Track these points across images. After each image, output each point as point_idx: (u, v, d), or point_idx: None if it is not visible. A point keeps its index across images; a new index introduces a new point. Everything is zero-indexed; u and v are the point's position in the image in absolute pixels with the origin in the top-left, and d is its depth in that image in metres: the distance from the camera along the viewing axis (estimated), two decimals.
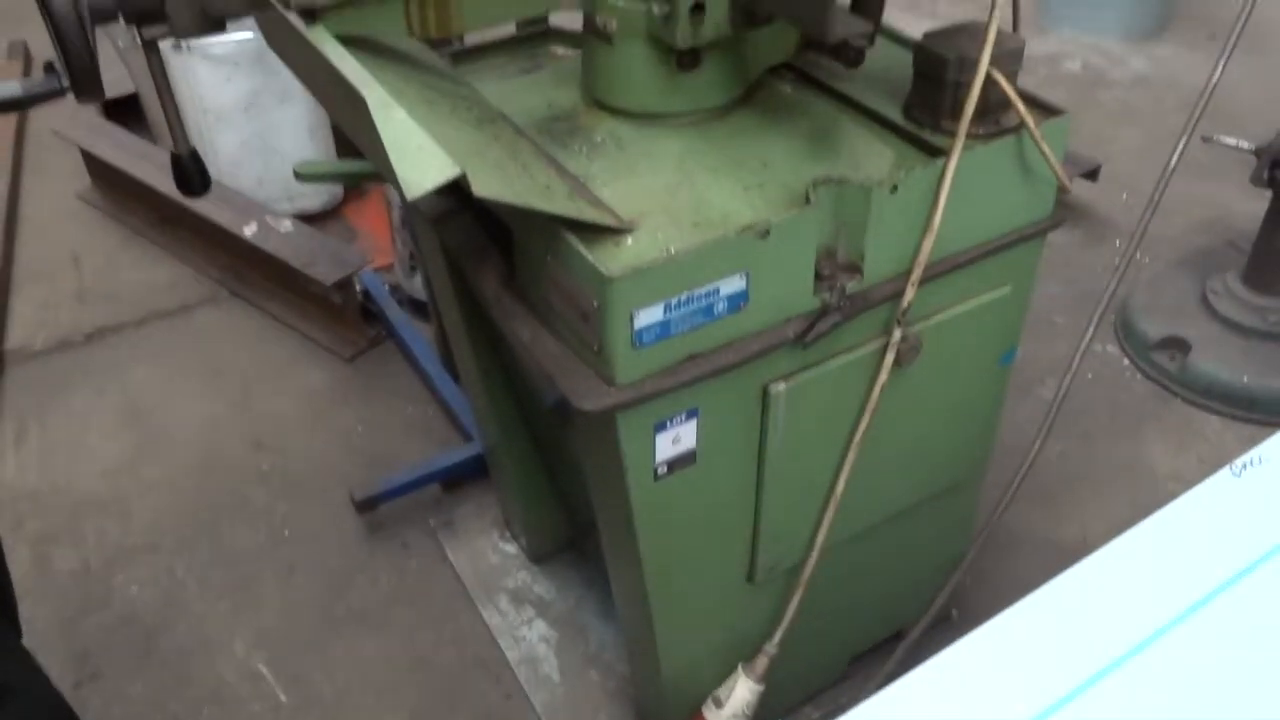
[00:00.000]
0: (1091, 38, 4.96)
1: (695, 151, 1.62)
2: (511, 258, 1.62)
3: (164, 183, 3.47)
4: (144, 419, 3.04)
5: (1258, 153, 2.90)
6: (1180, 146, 2.50)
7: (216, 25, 1.44)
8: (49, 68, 4.18)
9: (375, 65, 1.48)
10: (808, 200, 1.47)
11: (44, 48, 4.04)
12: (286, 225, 3.27)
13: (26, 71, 4.77)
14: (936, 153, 1.60)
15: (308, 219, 3.58)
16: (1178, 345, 3.09)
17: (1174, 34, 5.05)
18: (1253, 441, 1.44)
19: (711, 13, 1.53)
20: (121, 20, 1.41)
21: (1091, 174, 3.74)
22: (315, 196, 3.72)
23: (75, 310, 3.44)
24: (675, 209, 1.49)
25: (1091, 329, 2.57)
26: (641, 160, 1.60)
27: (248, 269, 3.40)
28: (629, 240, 1.42)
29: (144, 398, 3.11)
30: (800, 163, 1.61)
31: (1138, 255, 2.76)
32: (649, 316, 1.39)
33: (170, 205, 3.50)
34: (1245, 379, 2.95)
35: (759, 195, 1.53)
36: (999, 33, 1.56)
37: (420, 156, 1.21)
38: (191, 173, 1.57)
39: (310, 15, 1.48)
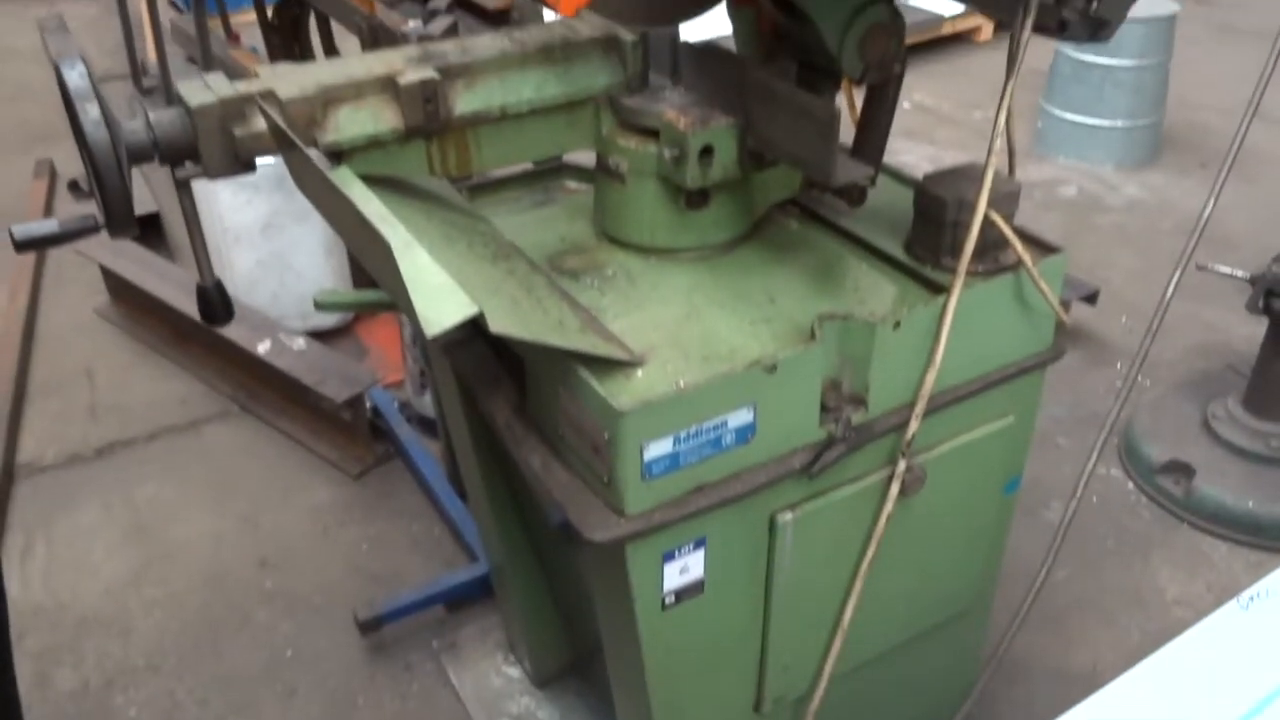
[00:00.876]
0: (1087, 165, 5.11)
1: (703, 286, 1.67)
2: (523, 386, 1.66)
3: (180, 300, 3.55)
4: (150, 535, 3.04)
5: (1252, 281, 2.96)
6: (1176, 277, 2.56)
7: (247, 166, 1.51)
8: (73, 186, 4.32)
9: (397, 202, 1.55)
10: (813, 336, 1.51)
11: (69, 166, 4.18)
12: (300, 343, 3.32)
13: (52, 188, 4.91)
14: (938, 289, 1.65)
15: (320, 335, 3.64)
16: (1182, 470, 3.10)
17: (1166, 162, 5.19)
18: (1259, 568, 1.45)
19: (720, 156, 1.60)
20: (156, 160, 1.47)
21: (1091, 298, 3.81)
22: (328, 314, 3.79)
23: (87, 425, 3.47)
24: (684, 342, 1.53)
25: (1095, 454, 2.59)
26: (651, 294, 1.65)
27: (259, 385, 3.44)
28: (639, 373, 1.45)
29: (151, 514, 3.12)
30: (806, 298, 1.66)
31: (1139, 378, 2.80)
32: (659, 449, 1.42)
33: (185, 322, 3.56)
34: (1250, 504, 2.95)
35: (766, 330, 1.57)
36: (995, 176, 1.63)
37: (440, 295, 1.25)
38: (216, 303, 1.62)
39: (336, 156, 1.55)
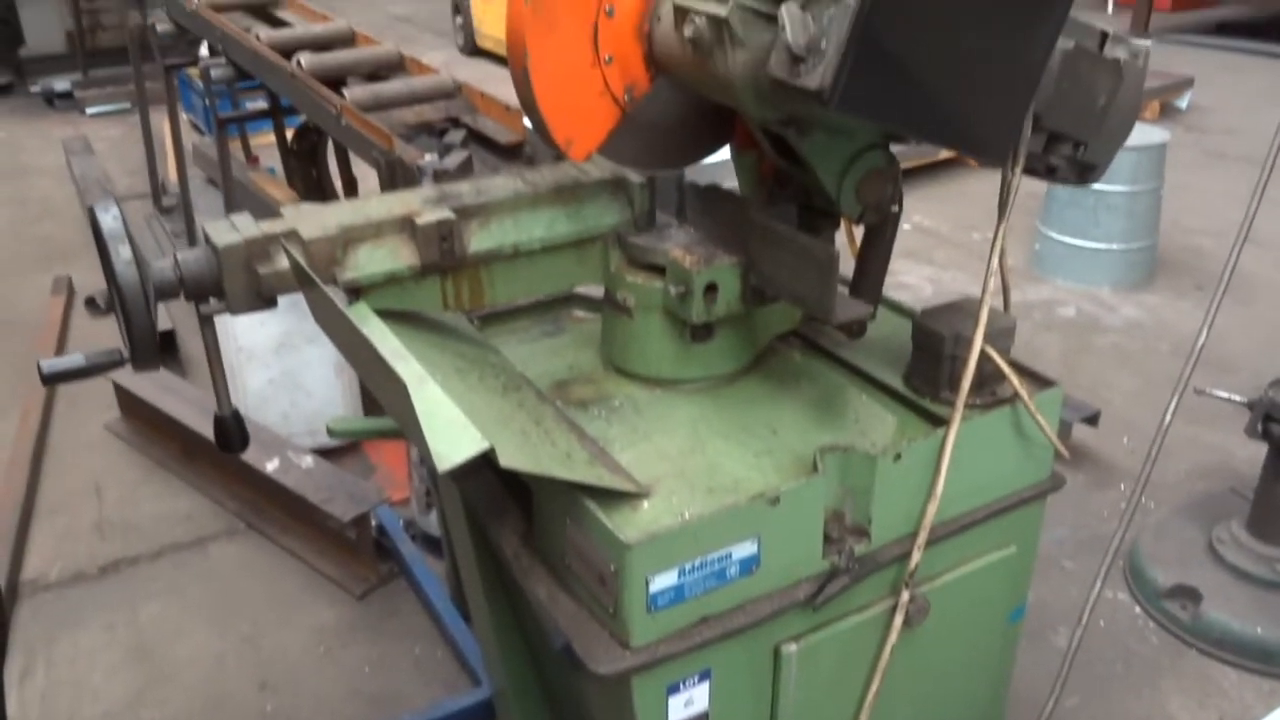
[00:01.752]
0: (1084, 286, 5.20)
1: (708, 417, 1.71)
2: (531, 515, 1.69)
3: (190, 416, 3.60)
4: (151, 656, 3.02)
5: (1250, 406, 3.00)
6: (1174, 403, 2.61)
7: (269, 302, 1.57)
8: (90, 303, 4.40)
9: (411, 335, 1.60)
10: (815, 468, 1.54)
11: (86, 282, 4.27)
12: (308, 461, 3.35)
13: (69, 304, 5.01)
14: (937, 421, 1.69)
15: (328, 452, 3.67)
16: (1188, 594, 3.09)
17: (1162, 284, 5.28)
18: (1272, 696, 1.45)
19: (723, 293, 1.66)
20: (182, 297, 1.53)
21: (1092, 419, 3.84)
22: None
23: (92, 542, 3.48)
24: (689, 474, 1.56)
25: (1101, 579, 2.59)
26: (657, 425, 1.69)
27: (266, 502, 3.46)
28: (645, 505, 1.48)
29: (153, 633, 3.10)
30: (808, 429, 1.69)
31: (1142, 500, 2.82)
32: (664, 581, 1.44)
33: (195, 438, 3.60)
34: (1259, 630, 2.93)
35: (769, 461, 1.60)
36: (991, 311, 1.68)
37: (451, 431, 1.29)
38: (233, 432, 1.67)
39: (355, 293, 1.62)
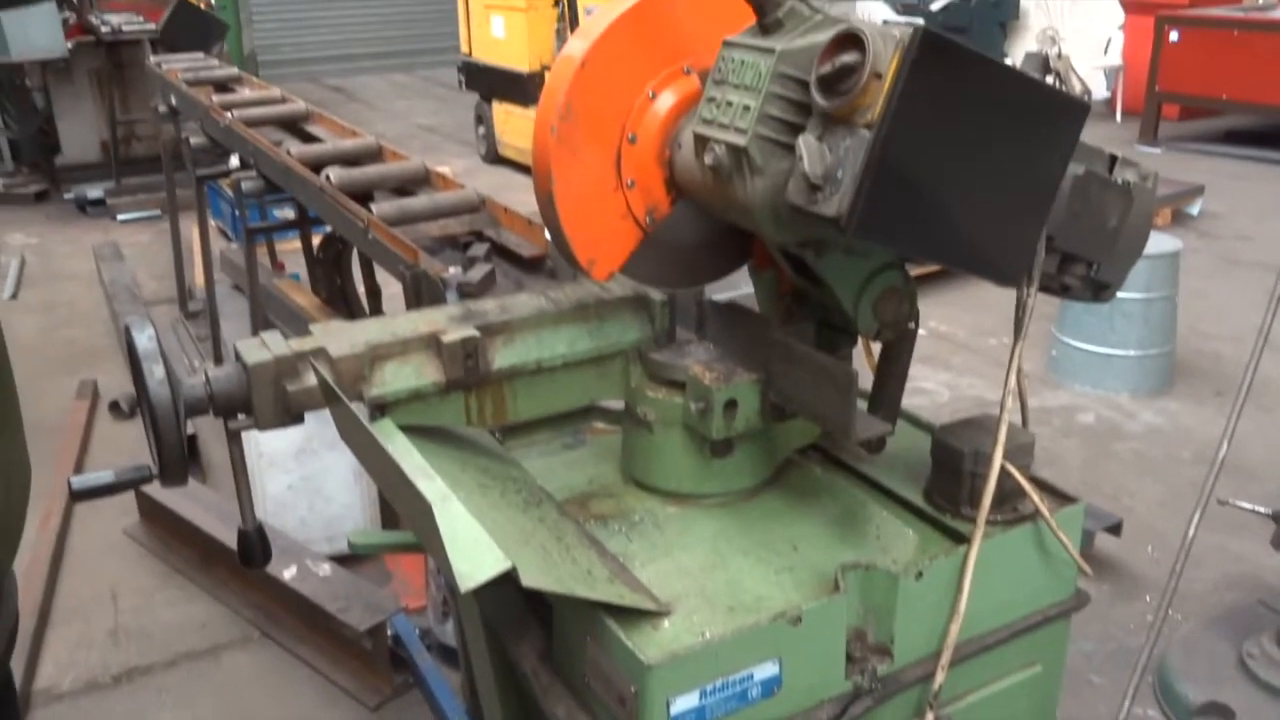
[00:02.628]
0: (1102, 392, 5.20)
1: (728, 533, 1.71)
2: (550, 632, 1.68)
3: (208, 522, 3.61)
4: None
5: (1275, 517, 2.97)
6: (1197, 516, 2.59)
7: (296, 419, 1.59)
8: (114, 407, 4.45)
9: (434, 451, 1.62)
10: (837, 586, 1.54)
11: (111, 386, 4.32)
12: (325, 568, 3.35)
13: (94, 408, 5.07)
14: (958, 538, 1.68)
15: (345, 559, 3.66)
16: (1220, 712, 3.01)
17: (1181, 390, 5.28)
18: None
19: (743, 409, 1.68)
20: (212, 414, 1.56)
21: (1115, 529, 3.80)
22: None
23: (107, 650, 3.46)
24: (710, 592, 1.56)
25: (1130, 697, 2.54)
26: (677, 541, 1.69)
27: (282, 610, 3.44)
28: (666, 624, 1.48)
29: None
30: (829, 546, 1.69)
31: (1170, 612, 2.77)
32: (685, 703, 1.42)
33: (212, 544, 3.61)
34: None
35: (790, 579, 1.60)
36: (1010, 427, 1.69)
37: (474, 550, 1.30)
38: (256, 547, 1.68)
39: (380, 409, 1.64)
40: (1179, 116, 10.75)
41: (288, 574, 3.32)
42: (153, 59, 5.96)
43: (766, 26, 1.48)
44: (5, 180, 9.44)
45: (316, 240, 4.85)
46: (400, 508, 1.45)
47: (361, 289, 4.47)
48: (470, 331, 1.66)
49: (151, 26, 8.72)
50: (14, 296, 6.82)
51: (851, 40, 1.34)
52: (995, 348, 5.72)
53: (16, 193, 9.16)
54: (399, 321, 1.72)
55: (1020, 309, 1.66)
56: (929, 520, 1.76)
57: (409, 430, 1.64)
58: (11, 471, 1.50)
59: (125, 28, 8.62)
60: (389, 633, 3.25)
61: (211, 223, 7.30)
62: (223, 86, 5.19)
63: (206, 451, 4.49)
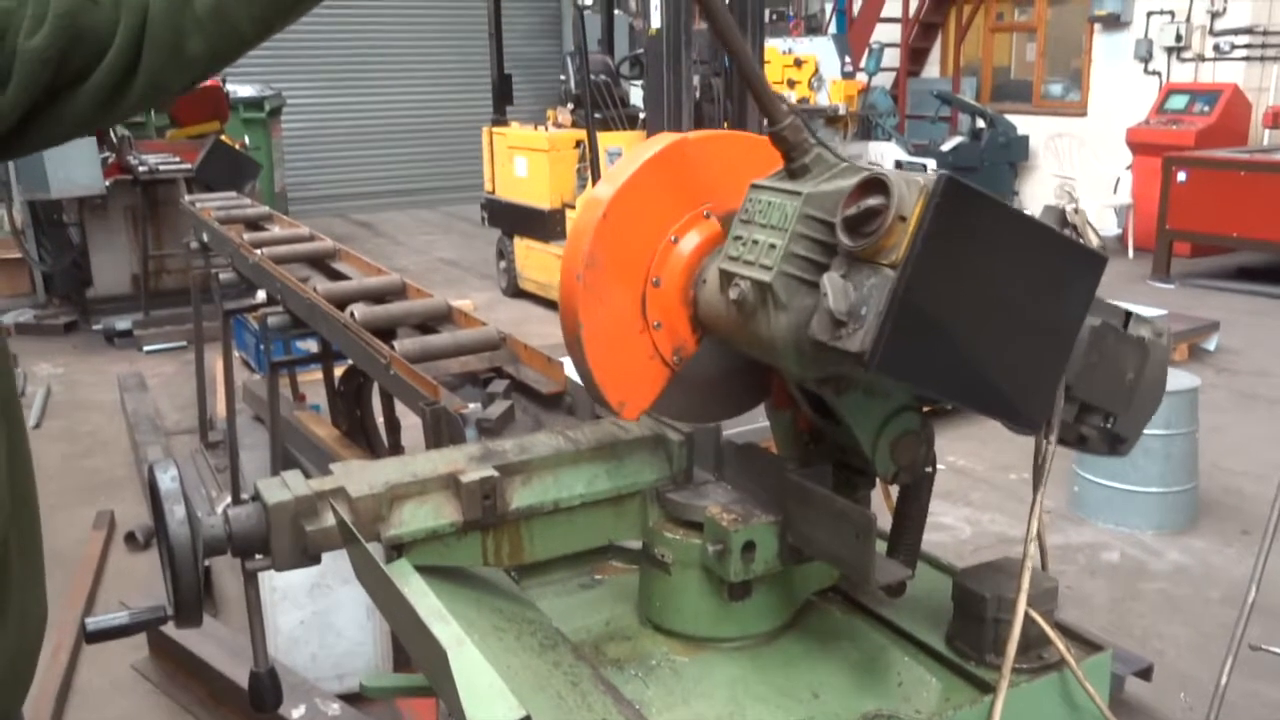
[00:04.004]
0: (1125, 530, 5.13)
1: (747, 679, 1.68)
2: None
3: (219, 659, 3.55)
4: None
5: None
6: (1229, 665, 2.52)
7: (314, 559, 1.59)
8: (129, 538, 4.44)
9: (451, 592, 1.61)
10: None
11: (127, 517, 4.31)
12: (334, 709, 3.28)
13: (109, 539, 5.06)
14: (982, 686, 1.64)
15: (353, 698, 3.58)
16: None
17: (1206, 528, 5.20)
18: None
19: (761, 552, 1.67)
20: (230, 553, 1.57)
21: (1145, 673, 3.70)
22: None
23: None
24: None
25: None
26: (695, 688, 1.66)
27: None
28: None
29: None
30: (849, 693, 1.65)
31: None
32: None
33: (222, 681, 3.55)
34: None
35: None
36: (1033, 572, 1.67)
37: (489, 697, 1.28)
38: (268, 690, 1.65)
39: (397, 549, 1.64)
40: (1191, 253, 10.88)
41: (296, 714, 3.25)
42: (187, 198, 6.16)
43: (793, 171, 1.55)
44: (37, 312, 9.66)
45: (338, 372, 4.92)
46: (414, 651, 1.43)
47: (381, 421, 4.51)
48: (489, 471, 1.67)
49: (187, 166, 9.03)
50: (38, 426, 6.90)
51: (877, 185, 1.39)
52: (1015, 483, 5.68)
53: (47, 324, 9.36)
54: (418, 461, 1.73)
55: (1039, 457, 1.66)
56: (952, 667, 1.72)
57: (425, 571, 1.63)
58: (28, 613, 1.50)
59: (161, 167, 8.93)
60: None
61: (236, 354, 7.44)
62: (254, 224, 5.35)
63: (220, 585, 4.46)
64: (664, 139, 1.69)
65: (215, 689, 3.65)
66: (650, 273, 1.66)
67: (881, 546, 1.72)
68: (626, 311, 1.65)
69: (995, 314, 1.44)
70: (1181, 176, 10.14)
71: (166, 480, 1.48)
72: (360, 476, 1.65)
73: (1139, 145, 11.54)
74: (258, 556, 1.58)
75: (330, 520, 1.58)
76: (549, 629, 1.73)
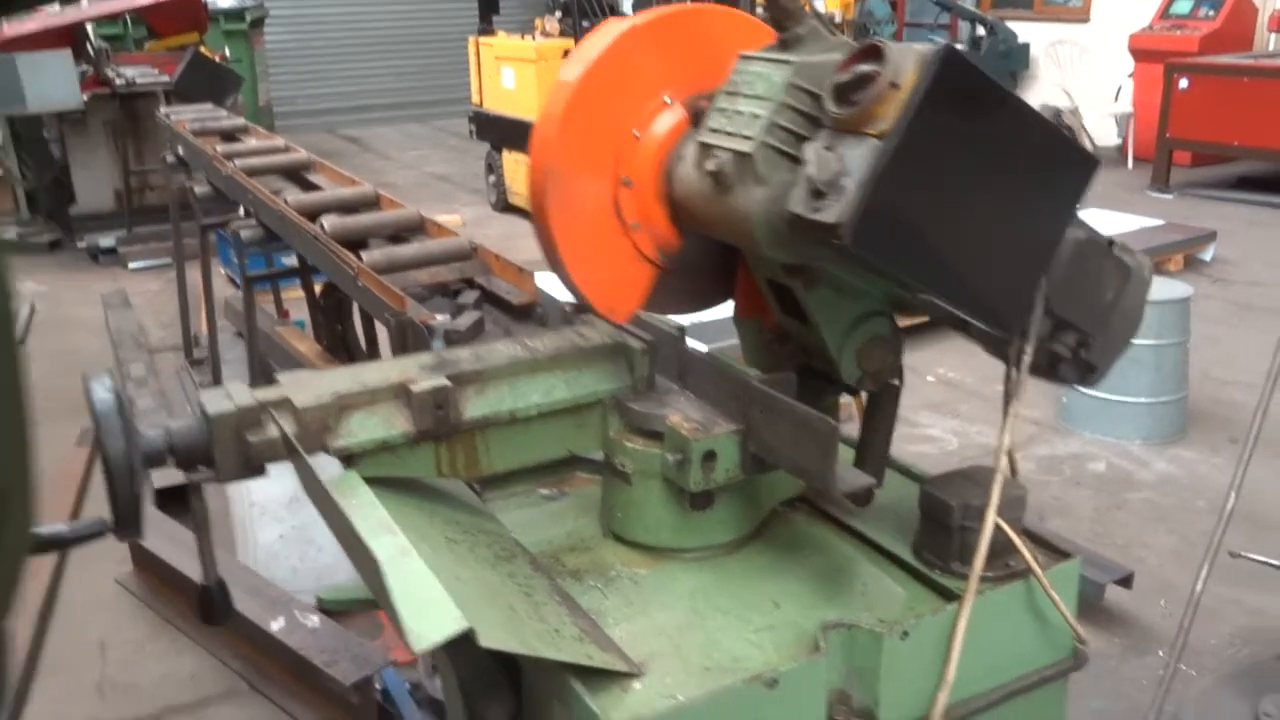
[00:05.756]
0: (1113, 440, 5.10)
1: (707, 589, 1.65)
2: (521, 693, 1.61)
3: (200, 573, 3.55)
4: None
5: None
6: (1205, 570, 2.51)
7: (258, 471, 1.55)
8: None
9: (402, 503, 1.57)
10: (818, 647, 1.47)
11: None
12: (313, 620, 3.28)
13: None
14: (948, 595, 1.62)
15: (336, 612, 3.59)
16: None
17: (1195, 437, 5.18)
18: None
19: (722, 461, 1.62)
20: (172, 463, 1.52)
21: (1125, 581, 3.70)
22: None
23: (92, 704, 3.39)
24: (685, 651, 1.50)
25: None
26: (654, 598, 1.63)
27: (270, 663, 3.37)
28: (637, 685, 1.42)
29: None
30: (812, 604, 1.63)
31: (1183, 667, 2.68)
32: None
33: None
34: None
35: (769, 638, 1.53)
36: (1001, 479, 1.63)
37: (431, 609, 1.25)
38: (216, 603, 1.63)
39: (348, 460, 1.60)
40: (1191, 163, 10.70)
41: (275, 626, 3.26)
42: (163, 110, 6.01)
43: (786, 42, 1.49)
44: (20, 229, 9.52)
45: (319, 289, 4.84)
46: (356, 563, 1.40)
47: (363, 335, 4.45)
48: (441, 381, 1.62)
49: (166, 79, 8.82)
50: (21, 343, 6.82)
51: (872, 52, 1.33)
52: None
53: (31, 242, 9.23)
54: (369, 371, 1.68)
55: (1010, 382, 1.61)
56: (918, 576, 1.69)
57: (378, 482, 1.59)
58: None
59: (139, 80, 8.72)
60: (378, 687, 3.17)
61: (221, 271, 7.34)
62: (230, 137, 5.22)
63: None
64: (610, 29, 1.60)
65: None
66: (619, 173, 1.59)
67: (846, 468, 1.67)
68: (601, 217, 1.59)
69: (980, 201, 1.38)
70: (1184, 83, 9.92)
71: (101, 392, 1.43)
72: (307, 387, 1.60)
73: (1142, 52, 11.27)
74: (201, 468, 1.54)
75: (275, 431, 1.54)
76: (507, 541, 1.70)
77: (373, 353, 4.37)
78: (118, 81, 8.68)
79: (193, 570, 3.58)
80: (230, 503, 3.70)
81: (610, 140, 1.59)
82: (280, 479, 3.50)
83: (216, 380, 5.03)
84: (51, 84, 8.47)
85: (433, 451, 1.65)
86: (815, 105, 1.40)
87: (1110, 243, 1.64)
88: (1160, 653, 3.54)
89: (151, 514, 3.96)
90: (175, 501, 4.24)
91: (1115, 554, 3.99)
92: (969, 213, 1.39)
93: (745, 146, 1.42)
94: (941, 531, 1.66)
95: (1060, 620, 1.69)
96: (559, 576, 1.67)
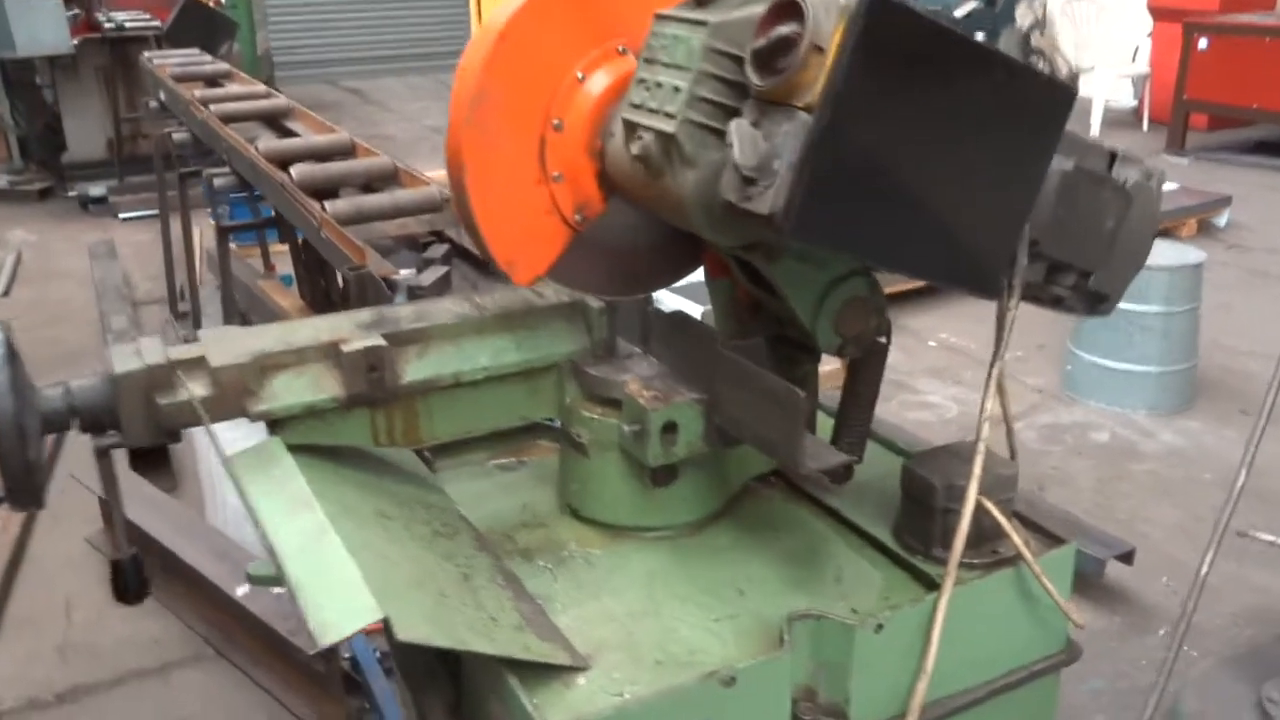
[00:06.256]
0: (1118, 409, 4.95)
1: (667, 573, 1.51)
2: (460, 684, 1.48)
3: (168, 534, 3.44)
4: None
5: None
6: (1212, 553, 2.37)
7: (171, 436, 1.41)
8: None
9: (330, 474, 1.43)
10: (781, 641, 1.33)
11: None
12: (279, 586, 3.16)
13: None
14: (929, 583, 1.48)
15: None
16: None
17: (1203, 408, 5.02)
18: None
19: (684, 434, 1.48)
20: (77, 429, 1.38)
21: (1127, 557, 3.57)
22: None
23: (54, 665, 3.29)
24: (637, 642, 1.36)
25: None
26: (608, 581, 1.49)
27: (236, 628, 3.26)
28: (580, 681, 1.28)
29: None
30: (779, 591, 1.49)
31: (1185, 648, 2.56)
32: None
33: (171, 556, 3.43)
34: None
35: (730, 628, 1.40)
36: (990, 458, 1.49)
37: (341, 596, 1.12)
38: (130, 578, 1.49)
39: (273, 425, 1.46)
40: (1208, 126, 10.43)
41: (240, 591, 3.14)
42: (146, 54, 5.83)
43: None
44: (11, 177, 9.34)
45: (302, 241, 4.69)
46: (262, 542, 1.26)
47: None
48: (375, 340, 1.47)
49: (158, 24, 8.61)
50: (6, 293, 6.71)
51: (790, 9, 1.14)
52: (1009, 362, 5.46)
53: (21, 189, 9.06)
54: (299, 328, 1.53)
55: (1000, 323, 1.45)
56: (897, 561, 1.55)
57: (307, 450, 1.45)
58: None
59: (129, 24, 8.51)
60: (345, 655, 3.06)
61: (211, 222, 7.18)
62: (213, 82, 5.04)
63: (178, 459, 4.32)
64: None
65: (164, 563, 3.54)
66: (551, 114, 1.42)
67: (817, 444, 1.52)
68: (521, 158, 1.42)
69: (940, 161, 1.21)
70: (1203, 43, 9.63)
71: None
72: (228, 345, 1.45)
73: (1160, 10, 10.95)
74: (110, 432, 1.40)
75: (195, 392, 1.39)
76: (451, 515, 1.56)
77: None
78: (106, 25, 8.46)
79: (160, 530, 3.47)
80: (199, 462, 3.58)
81: (550, 73, 1.42)
82: (251, 438, 3.37)
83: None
84: (41, 27, 8.29)
85: (368, 418, 1.50)
86: (740, 71, 1.21)
87: (1112, 158, 1.46)
88: (1162, 633, 3.42)
89: (124, 474, 3.84)
90: (149, 462, 4.13)
91: (1117, 528, 3.85)
92: (928, 176, 1.21)
93: (668, 126, 1.24)
94: (924, 513, 1.52)
95: (1053, 609, 1.55)
96: (507, 556, 1.54)
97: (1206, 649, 3.32)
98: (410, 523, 1.45)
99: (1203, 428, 4.86)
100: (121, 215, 8.40)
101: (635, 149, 1.28)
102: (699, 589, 1.47)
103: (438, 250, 2.53)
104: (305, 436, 1.47)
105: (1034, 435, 4.73)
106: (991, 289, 1.37)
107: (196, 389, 1.36)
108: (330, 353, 1.47)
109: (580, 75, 1.43)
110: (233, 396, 1.41)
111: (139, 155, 9.03)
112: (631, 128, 1.30)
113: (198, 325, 5.08)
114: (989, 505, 1.46)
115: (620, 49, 1.45)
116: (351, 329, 1.51)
